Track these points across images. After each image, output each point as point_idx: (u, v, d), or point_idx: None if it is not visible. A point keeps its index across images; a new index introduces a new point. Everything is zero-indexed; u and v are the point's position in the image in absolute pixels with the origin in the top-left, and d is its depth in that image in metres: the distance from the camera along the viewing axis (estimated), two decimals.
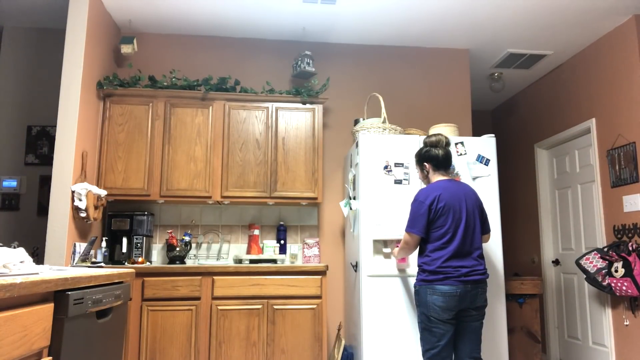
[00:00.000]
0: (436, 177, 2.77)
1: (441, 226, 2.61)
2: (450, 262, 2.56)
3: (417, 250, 2.76)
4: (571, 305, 4.44)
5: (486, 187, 3.43)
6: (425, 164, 2.80)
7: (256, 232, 3.79)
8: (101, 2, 3.63)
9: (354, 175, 3.57)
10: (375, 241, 3.30)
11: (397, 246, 3.11)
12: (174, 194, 3.60)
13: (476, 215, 2.68)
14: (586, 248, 4.26)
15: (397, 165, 3.39)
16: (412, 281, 3.25)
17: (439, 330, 2.55)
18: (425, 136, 2.88)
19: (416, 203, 2.68)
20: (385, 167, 3.38)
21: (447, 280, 2.54)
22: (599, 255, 3.69)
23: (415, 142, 3.43)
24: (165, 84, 3.74)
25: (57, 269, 1.92)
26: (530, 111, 5.20)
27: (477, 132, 5.89)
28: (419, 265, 2.68)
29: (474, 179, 3.44)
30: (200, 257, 3.89)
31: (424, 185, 2.96)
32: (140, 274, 3.21)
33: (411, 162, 3.40)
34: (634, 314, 3.60)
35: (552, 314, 4.72)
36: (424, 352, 2.62)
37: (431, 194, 2.65)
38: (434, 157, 2.76)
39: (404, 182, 3.38)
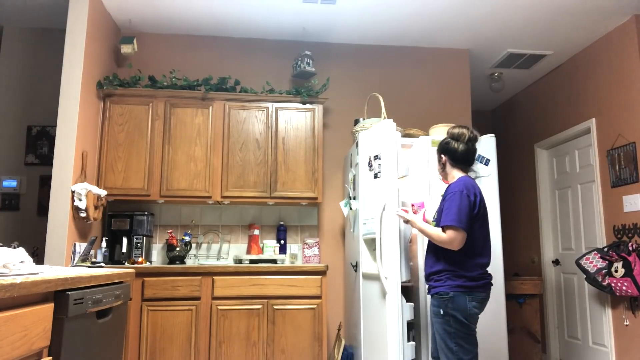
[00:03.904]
0: (453, 173, 2.52)
1: (477, 228, 2.38)
2: (486, 267, 2.40)
3: (428, 249, 2.53)
4: (571, 305, 4.44)
5: (486, 187, 3.42)
6: (442, 155, 2.56)
7: (256, 232, 3.79)
8: (101, 2, 3.63)
9: (354, 175, 3.56)
10: None
11: (417, 212, 2.78)
12: (174, 194, 3.60)
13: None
14: (586, 248, 4.26)
15: None
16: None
17: (474, 336, 2.36)
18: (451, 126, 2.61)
19: (459, 194, 2.35)
20: None
21: (486, 286, 2.39)
22: (599, 255, 3.69)
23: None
24: (165, 84, 3.74)
25: (57, 269, 1.92)
26: (530, 111, 5.20)
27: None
28: (451, 270, 2.37)
29: (474, 179, 3.43)
30: (200, 257, 3.89)
31: (440, 178, 2.67)
32: (140, 274, 3.21)
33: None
34: (634, 314, 3.60)
35: (552, 314, 4.72)
36: None
37: (471, 189, 2.40)
38: (451, 151, 2.51)
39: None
